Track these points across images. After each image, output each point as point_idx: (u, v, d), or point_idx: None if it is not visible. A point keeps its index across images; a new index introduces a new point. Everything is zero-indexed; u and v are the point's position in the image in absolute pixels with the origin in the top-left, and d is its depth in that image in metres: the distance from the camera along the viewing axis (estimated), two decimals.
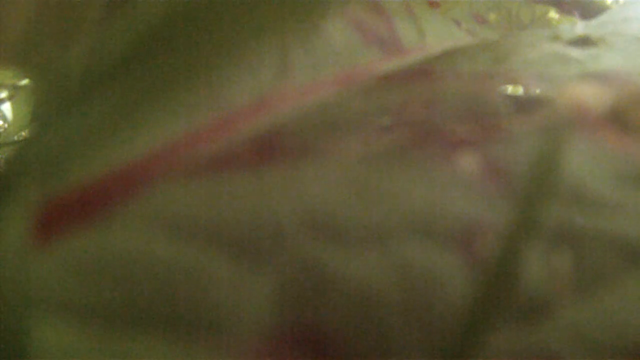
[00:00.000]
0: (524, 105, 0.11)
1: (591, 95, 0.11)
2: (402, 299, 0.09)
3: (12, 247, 0.08)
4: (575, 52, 0.13)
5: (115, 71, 0.10)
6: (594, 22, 0.17)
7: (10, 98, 0.34)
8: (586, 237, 0.10)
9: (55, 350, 0.08)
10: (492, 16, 0.20)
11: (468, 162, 0.10)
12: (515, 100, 0.12)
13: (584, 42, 0.14)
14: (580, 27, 0.15)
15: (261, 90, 0.11)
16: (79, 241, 0.09)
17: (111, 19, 0.10)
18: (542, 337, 0.09)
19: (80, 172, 0.10)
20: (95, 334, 0.08)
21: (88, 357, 0.08)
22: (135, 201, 0.09)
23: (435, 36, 0.16)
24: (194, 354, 0.08)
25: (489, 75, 0.12)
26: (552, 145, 0.09)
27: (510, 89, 0.12)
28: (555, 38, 0.14)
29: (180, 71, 0.10)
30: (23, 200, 0.09)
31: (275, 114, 0.11)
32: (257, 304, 0.09)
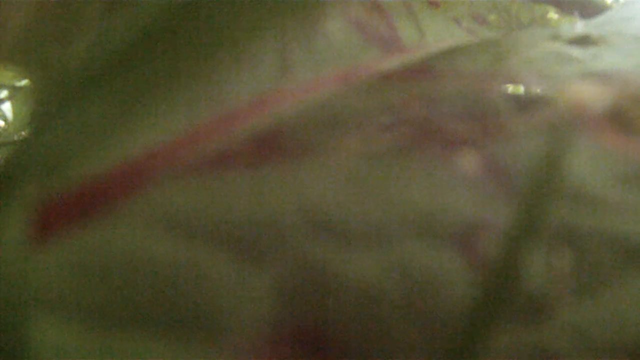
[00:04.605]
0: (525, 105, 0.11)
1: (591, 95, 0.11)
2: (403, 299, 0.09)
3: (12, 246, 0.08)
4: (576, 52, 0.13)
5: (114, 70, 0.10)
6: (594, 21, 0.17)
7: (10, 98, 0.34)
8: (587, 237, 0.10)
9: (55, 350, 0.08)
10: (492, 16, 0.20)
11: (469, 161, 0.10)
12: (515, 99, 0.12)
13: (584, 41, 0.14)
14: (580, 26, 0.15)
15: (261, 89, 0.11)
16: (78, 240, 0.09)
17: (111, 17, 0.10)
18: (542, 337, 0.09)
19: (80, 171, 0.10)
20: (95, 333, 0.08)
21: (88, 356, 0.08)
22: (135, 199, 0.09)
23: (436, 35, 0.16)
24: (193, 353, 0.08)
25: (489, 74, 0.12)
26: (553, 145, 0.09)
27: (510, 88, 0.12)
28: (556, 37, 0.14)
29: (180, 69, 0.10)
30: (22, 199, 0.09)
31: (276, 112, 0.11)
32: (257, 303, 0.09)
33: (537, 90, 0.12)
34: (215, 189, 0.10)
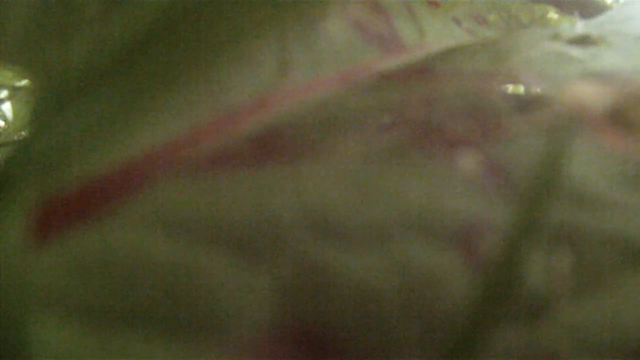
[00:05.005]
0: (525, 104, 0.11)
1: (592, 95, 0.11)
2: (402, 298, 0.09)
3: (12, 247, 0.08)
4: (576, 51, 0.13)
5: (115, 69, 0.10)
6: (594, 21, 0.17)
7: (10, 98, 0.34)
8: (586, 237, 0.10)
9: (55, 350, 0.08)
10: (492, 16, 0.20)
11: (468, 161, 0.10)
12: (516, 99, 0.12)
13: (584, 41, 0.14)
14: (580, 26, 0.15)
15: (261, 88, 0.11)
16: (78, 240, 0.09)
17: (111, 17, 0.10)
18: (542, 337, 0.09)
19: (80, 171, 0.10)
20: (95, 333, 0.08)
21: (88, 356, 0.08)
22: (135, 199, 0.09)
23: (436, 35, 0.16)
24: (193, 353, 0.08)
25: (489, 74, 0.12)
26: (553, 145, 0.09)
27: (511, 88, 0.12)
28: (556, 37, 0.14)
29: (180, 69, 0.10)
30: (22, 199, 0.09)
31: (275, 112, 0.11)
32: (257, 303, 0.09)
33: (537, 90, 0.12)
34: (215, 189, 0.10)
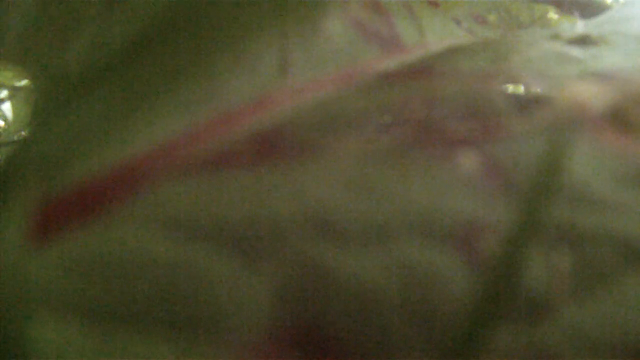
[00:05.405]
0: (525, 104, 0.11)
1: (592, 95, 0.11)
2: (403, 298, 0.09)
3: (11, 247, 0.08)
4: (576, 51, 0.13)
5: (114, 69, 0.10)
6: (594, 21, 0.17)
7: (10, 98, 0.34)
8: (587, 237, 0.10)
9: (55, 350, 0.08)
10: (492, 16, 0.20)
11: (469, 161, 0.10)
12: (515, 99, 0.12)
13: (584, 41, 0.14)
14: (580, 26, 0.15)
15: (261, 88, 0.11)
16: (78, 240, 0.09)
17: (110, 17, 0.10)
18: (542, 337, 0.09)
19: (79, 171, 0.10)
20: (95, 333, 0.08)
21: (88, 356, 0.08)
22: (135, 199, 0.09)
23: (436, 35, 0.16)
24: (193, 353, 0.08)
25: (489, 73, 0.12)
26: (554, 145, 0.09)
27: (511, 87, 0.12)
28: (556, 37, 0.14)
29: (180, 69, 0.10)
30: (22, 199, 0.09)
31: (275, 112, 0.11)
32: (257, 303, 0.09)
33: (537, 90, 0.12)
34: (215, 189, 0.10)
